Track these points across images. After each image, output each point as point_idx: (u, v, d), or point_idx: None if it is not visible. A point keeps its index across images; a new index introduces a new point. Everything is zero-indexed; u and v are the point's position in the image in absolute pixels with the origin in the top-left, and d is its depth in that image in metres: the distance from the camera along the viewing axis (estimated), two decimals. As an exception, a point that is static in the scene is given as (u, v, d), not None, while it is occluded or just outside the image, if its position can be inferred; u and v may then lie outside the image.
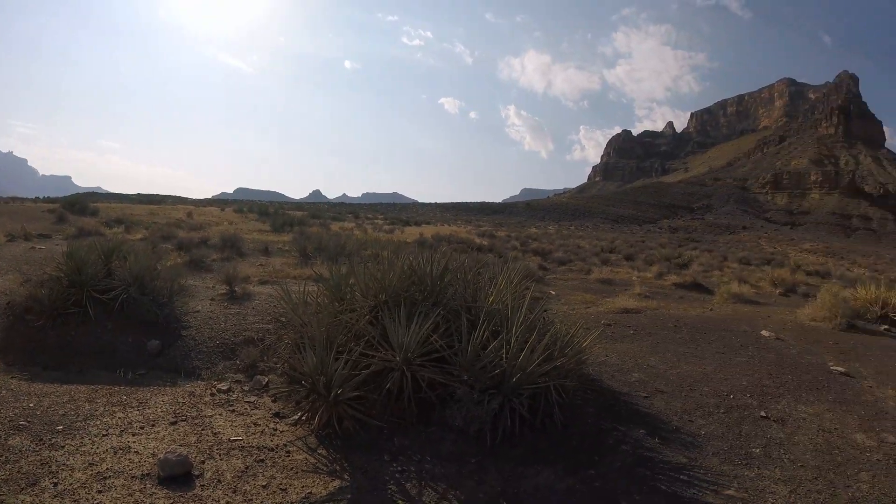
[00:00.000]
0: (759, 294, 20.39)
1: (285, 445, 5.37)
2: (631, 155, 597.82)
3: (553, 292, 16.05)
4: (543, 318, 6.82)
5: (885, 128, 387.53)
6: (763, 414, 6.99)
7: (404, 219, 69.02)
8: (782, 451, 5.97)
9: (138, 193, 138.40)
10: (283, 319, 7.22)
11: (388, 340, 5.72)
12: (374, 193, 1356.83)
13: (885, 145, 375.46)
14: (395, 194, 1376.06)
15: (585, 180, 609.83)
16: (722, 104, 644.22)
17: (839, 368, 9.43)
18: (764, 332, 12.07)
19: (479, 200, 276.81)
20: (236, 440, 5.37)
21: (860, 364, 10.12)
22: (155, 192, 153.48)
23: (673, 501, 4.86)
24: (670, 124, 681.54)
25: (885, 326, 14.56)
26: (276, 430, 5.72)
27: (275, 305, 9.21)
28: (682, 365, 8.82)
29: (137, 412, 5.86)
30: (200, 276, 13.34)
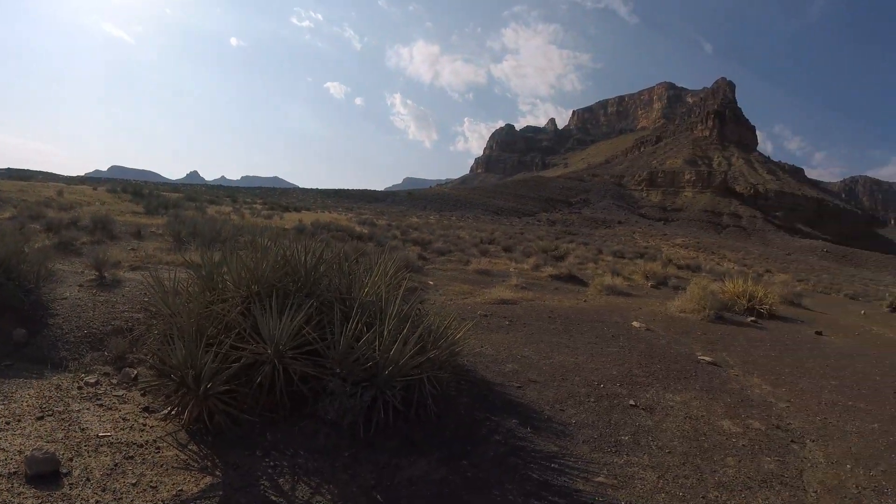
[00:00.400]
0: (631, 286, 21.13)
1: (155, 441, 5.17)
2: (513, 149, 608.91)
3: (431, 283, 16.13)
4: (418, 309, 6.87)
5: (757, 132, 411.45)
6: (632, 402, 7.27)
7: (284, 204, 67.56)
8: (650, 439, 6.23)
9: (8, 168, 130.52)
10: (153, 308, 6.94)
11: (259, 333, 5.62)
12: (254, 177, 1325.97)
13: (758, 149, 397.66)
14: (275, 178, 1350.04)
15: (468, 172, 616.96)
16: (603, 104, 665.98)
17: (707, 358, 9.93)
18: (635, 323, 12.55)
19: (361, 188, 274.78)
20: (105, 436, 5.11)
21: (727, 354, 10.71)
22: (24, 168, 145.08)
23: (544, 489, 5.00)
24: (552, 121, 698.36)
25: (752, 318, 15.46)
26: (145, 425, 5.48)
27: (145, 293, 8.84)
28: (556, 355, 9.06)
29: (2, 406, 5.52)
30: (69, 259, 12.63)
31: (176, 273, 7.02)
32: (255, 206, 56.24)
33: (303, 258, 6.51)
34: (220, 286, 6.44)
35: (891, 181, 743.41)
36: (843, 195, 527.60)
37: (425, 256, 24.35)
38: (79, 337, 7.66)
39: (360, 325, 5.64)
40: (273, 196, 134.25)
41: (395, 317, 5.81)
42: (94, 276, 10.41)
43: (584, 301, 15.96)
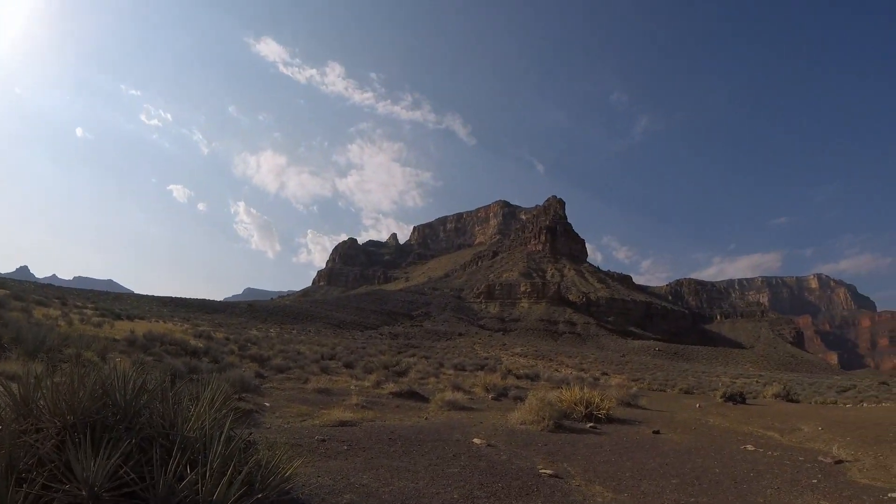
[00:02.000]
0: (472, 400, 21.20)
1: None
2: (355, 262, 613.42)
3: (268, 404, 15.54)
4: (247, 441, 6.51)
5: (587, 244, 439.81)
6: (474, 528, 7.12)
7: (117, 311, 64.18)
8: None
9: None
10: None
11: (73, 471, 5.14)
12: (88, 278, 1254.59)
13: (588, 260, 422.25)
14: (109, 281, 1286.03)
15: (310, 284, 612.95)
16: (443, 220, 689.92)
17: (548, 471, 9.90)
18: (476, 440, 12.46)
19: (200, 297, 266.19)
20: None
21: (568, 464, 10.75)
22: None
23: None
24: (394, 235, 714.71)
25: (591, 424, 15.80)
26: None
27: None
28: (396, 481, 8.79)
29: None
30: None
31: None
32: (85, 310, 53.20)
33: (122, 388, 6.05)
34: (35, 412, 5.88)
35: (713, 280, 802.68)
36: (670, 297, 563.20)
37: (263, 374, 23.64)
38: None
39: (182, 463, 5.26)
40: (106, 301, 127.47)
41: (219, 455, 5.45)
42: None
43: (426, 418, 15.83)
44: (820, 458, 12.69)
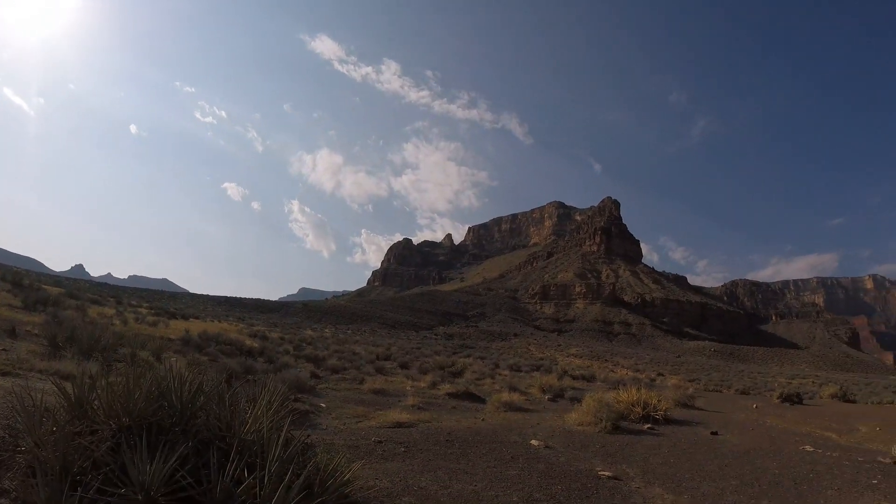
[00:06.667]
0: (529, 401, 21.01)
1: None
2: (410, 262, 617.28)
3: (324, 405, 15.56)
4: (306, 443, 6.36)
5: (643, 245, 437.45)
6: (536, 530, 6.95)
7: (171, 310, 65.24)
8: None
9: None
10: (20, 426, 6.14)
11: (128, 474, 5.03)
12: (142, 277, 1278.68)
13: (643, 261, 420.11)
14: (164, 281, 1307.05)
15: (365, 284, 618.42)
16: (497, 220, 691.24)
17: (607, 473, 9.71)
18: (534, 442, 12.29)
19: (254, 297, 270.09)
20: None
21: (627, 465, 10.55)
22: None
23: None
24: (449, 236, 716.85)
25: (648, 425, 15.52)
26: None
27: (11, 409, 7.99)
28: (454, 484, 8.64)
29: None
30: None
31: (42, 395, 6.29)
32: (140, 309, 54.13)
33: (179, 390, 5.94)
34: (89, 413, 5.80)
35: (769, 281, 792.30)
36: (725, 298, 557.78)
37: (318, 375, 23.73)
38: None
39: (239, 467, 5.12)
40: (161, 300, 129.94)
41: (277, 458, 5.31)
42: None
43: (482, 420, 15.66)
44: (879, 458, 12.53)
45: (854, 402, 32.01)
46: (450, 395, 20.75)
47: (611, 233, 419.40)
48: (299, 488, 5.07)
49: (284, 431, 5.67)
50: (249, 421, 5.88)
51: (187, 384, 5.99)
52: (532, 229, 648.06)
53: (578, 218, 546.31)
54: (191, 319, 57.07)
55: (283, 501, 4.94)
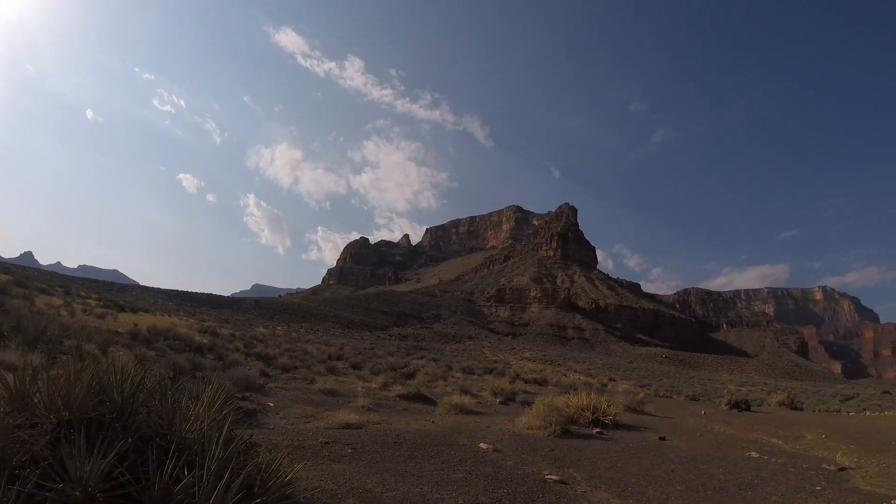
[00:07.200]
0: (480, 404, 21.11)
1: None
2: (367, 262, 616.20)
3: (272, 404, 15.42)
4: (248, 443, 6.32)
5: (598, 251, 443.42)
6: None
7: (121, 303, 64.01)
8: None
9: None
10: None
11: (66, 470, 4.97)
12: (93, 267, 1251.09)
13: (598, 267, 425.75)
14: (115, 272, 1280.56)
15: (320, 282, 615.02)
16: (455, 223, 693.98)
17: (554, 477, 9.80)
18: (482, 445, 12.35)
19: (206, 291, 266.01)
20: None
21: (574, 469, 10.66)
22: None
23: None
24: (406, 237, 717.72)
25: (598, 430, 15.75)
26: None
27: None
28: (400, 486, 8.64)
29: None
30: None
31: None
32: (89, 300, 53.01)
33: (120, 385, 5.86)
34: (30, 406, 5.70)
35: (721, 290, 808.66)
36: (678, 305, 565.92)
37: (268, 373, 23.53)
38: None
39: (178, 465, 5.08)
40: (110, 292, 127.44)
41: (217, 457, 5.27)
42: None
43: (432, 422, 15.69)
44: (824, 465, 12.78)
45: (801, 409, 32.71)
46: (401, 396, 20.74)
47: (567, 238, 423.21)
48: (238, 487, 5.05)
49: (226, 430, 5.62)
50: (191, 418, 5.83)
51: (129, 380, 5.93)
52: (490, 232, 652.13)
53: (536, 223, 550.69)
54: (140, 313, 55.99)
55: (222, 501, 4.91)
